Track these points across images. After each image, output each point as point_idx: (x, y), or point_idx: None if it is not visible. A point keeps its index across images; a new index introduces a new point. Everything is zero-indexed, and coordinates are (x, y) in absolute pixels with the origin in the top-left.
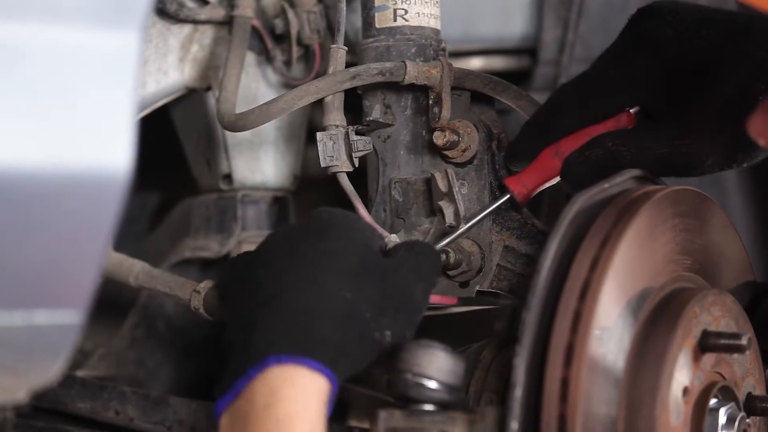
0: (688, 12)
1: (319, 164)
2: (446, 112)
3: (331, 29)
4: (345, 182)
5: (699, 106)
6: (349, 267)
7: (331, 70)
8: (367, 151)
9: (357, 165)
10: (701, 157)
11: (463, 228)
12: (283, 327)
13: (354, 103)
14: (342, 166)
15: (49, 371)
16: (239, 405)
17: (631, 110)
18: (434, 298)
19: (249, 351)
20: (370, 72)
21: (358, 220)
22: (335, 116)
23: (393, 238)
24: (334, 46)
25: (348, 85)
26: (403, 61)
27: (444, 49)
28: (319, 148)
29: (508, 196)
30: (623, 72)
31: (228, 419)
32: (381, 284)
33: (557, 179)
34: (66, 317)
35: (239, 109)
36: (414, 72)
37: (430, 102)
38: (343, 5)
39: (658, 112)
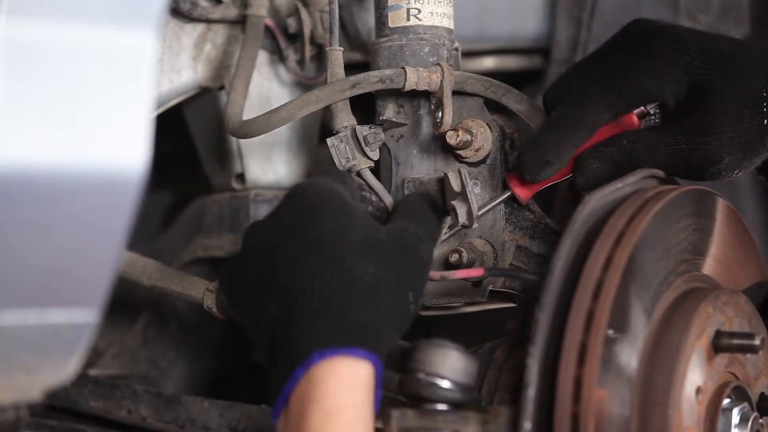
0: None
1: (332, 163)
2: (448, 117)
3: (343, 28)
4: (369, 177)
5: (719, 104)
6: (361, 240)
7: (328, 72)
8: (379, 142)
9: (377, 157)
10: (719, 156)
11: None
12: (319, 321)
13: (367, 102)
14: (360, 163)
15: (63, 370)
16: (291, 407)
17: (642, 108)
18: (461, 273)
19: (292, 352)
20: (370, 80)
21: (340, 187)
22: (342, 118)
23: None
24: (329, 48)
25: (348, 94)
26: (402, 68)
27: (457, 49)
28: (332, 153)
29: (508, 193)
30: (648, 63)
31: (283, 422)
32: (393, 251)
33: (561, 179)
34: (80, 316)
35: (251, 108)
36: (414, 78)
37: (432, 107)
38: (336, 6)
39: (677, 109)
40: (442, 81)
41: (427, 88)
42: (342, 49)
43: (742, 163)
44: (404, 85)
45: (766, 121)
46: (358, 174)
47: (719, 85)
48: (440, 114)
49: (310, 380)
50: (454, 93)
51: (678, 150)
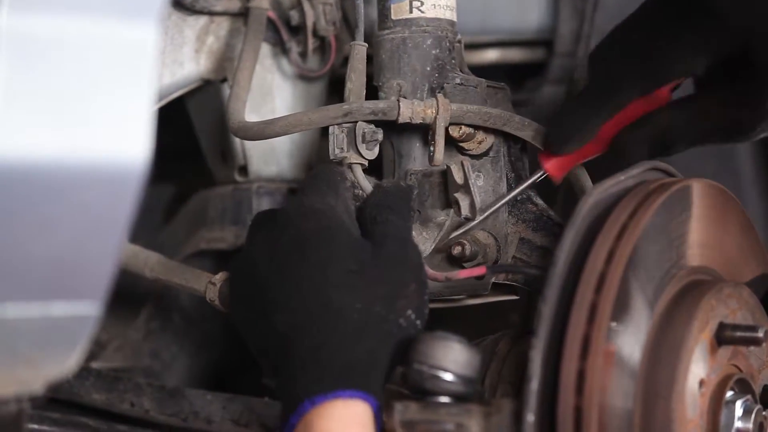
0: None
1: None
2: (439, 156)
3: (346, 21)
4: (359, 174)
5: (757, 71)
6: (347, 272)
7: (349, 67)
8: (376, 142)
9: (374, 157)
10: (755, 123)
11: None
12: (308, 367)
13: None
14: (351, 157)
15: (65, 363)
16: None
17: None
18: (465, 272)
19: (286, 399)
20: (362, 111)
21: (330, 208)
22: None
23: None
24: (353, 42)
25: (339, 121)
26: (397, 100)
27: (460, 41)
28: (330, 140)
29: (543, 173)
30: (682, 39)
31: None
32: (379, 269)
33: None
34: (83, 308)
35: (253, 101)
36: (408, 112)
37: (429, 138)
38: (361, 1)
39: (710, 78)
40: (436, 117)
41: (421, 121)
42: (366, 44)
43: None
44: (397, 118)
45: None
46: (349, 168)
47: (758, 50)
48: (432, 149)
49: (306, 425)
50: (458, 85)
51: (714, 122)
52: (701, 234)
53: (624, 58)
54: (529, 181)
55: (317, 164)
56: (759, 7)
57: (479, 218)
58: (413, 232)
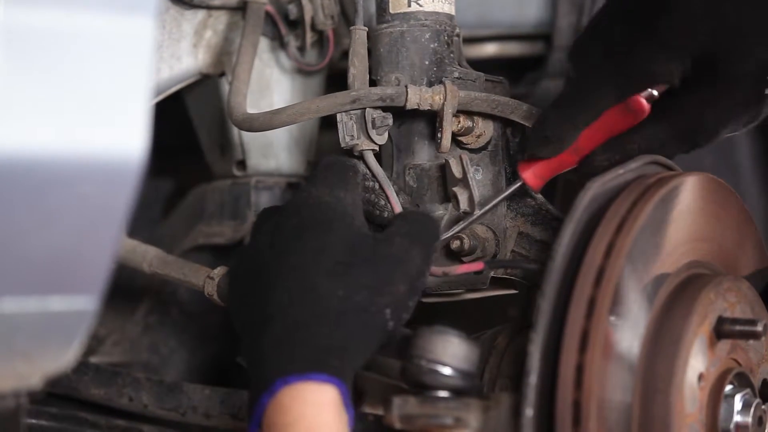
0: None
1: (334, 150)
2: (446, 142)
3: (344, 14)
4: (371, 161)
5: (722, 77)
6: (337, 261)
7: (351, 51)
8: (386, 127)
9: (384, 142)
10: (717, 130)
11: (477, 214)
12: (282, 348)
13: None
14: (363, 144)
15: (63, 357)
16: (264, 429)
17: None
18: (462, 267)
19: (258, 377)
20: (370, 97)
21: (337, 200)
22: None
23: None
24: (353, 27)
25: (348, 108)
26: (405, 86)
27: (458, 35)
28: (339, 128)
29: (519, 183)
30: (659, 50)
31: None
32: (372, 264)
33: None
34: (80, 303)
35: (251, 95)
36: (415, 98)
37: (437, 125)
38: None
39: (682, 84)
40: (444, 103)
41: (429, 108)
42: (366, 28)
43: (736, 130)
44: (405, 104)
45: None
46: (361, 155)
47: (724, 58)
48: (440, 135)
49: (277, 406)
50: (456, 79)
51: (681, 131)
52: (700, 228)
53: (601, 61)
54: (506, 193)
55: (324, 156)
56: (724, 12)
57: (476, 214)
58: None
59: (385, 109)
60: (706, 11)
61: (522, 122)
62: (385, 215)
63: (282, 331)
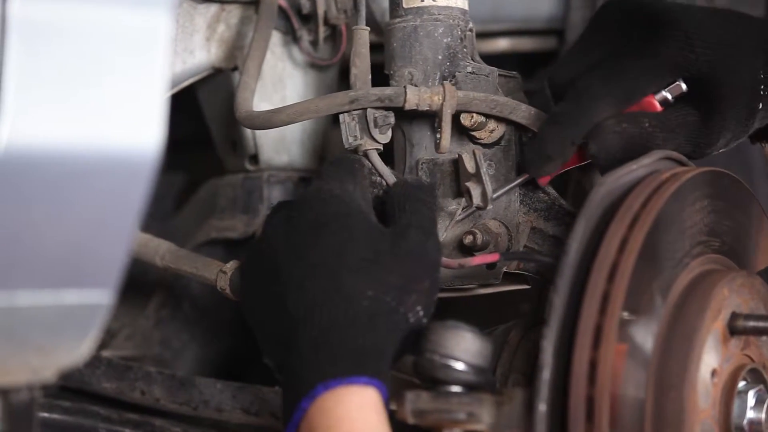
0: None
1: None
2: (446, 143)
3: (358, 9)
4: (375, 160)
5: (721, 89)
6: (361, 259)
7: (353, 52)
8: (388, 126)
9: (388, 140)
10: (716, 139)
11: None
12: (320, 350)
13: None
14: (366, 144)
15: (77, 351)
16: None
17: (664, 94)
18: (478, 259)
19: (296, 382)
20: (368, 97)
21: (348, 194)
22: None
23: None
24: (355, 27)
25: (346, 108)
26: (404, 87)
27: (471, 30)
28: (342, 129)
29: (527, 175)
30: (654, 68)
31: None
32: (396, 261)
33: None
34: (95, 297)
35: (264, 89)
36: (414, 99)
37: (436, 126)
38: None
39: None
40: (443, 104)
41: (428, 108)
42: (368, 28)
43: (730, 143)
44: (404, 105)
45: (761, 104)
46: (365, 154)
47: (721, 72)
48: (439, 136)
49: (319, 410)
50: (469, 74)
51: (689, 136)
52: (713, 223)
53: (597, 80)
54: (513, 184)
55: (330, 154)
56: (720, 35)
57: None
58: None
59: (389, 109)
60: (701, 28)
61: (521, 122)
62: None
63: (318, 334)
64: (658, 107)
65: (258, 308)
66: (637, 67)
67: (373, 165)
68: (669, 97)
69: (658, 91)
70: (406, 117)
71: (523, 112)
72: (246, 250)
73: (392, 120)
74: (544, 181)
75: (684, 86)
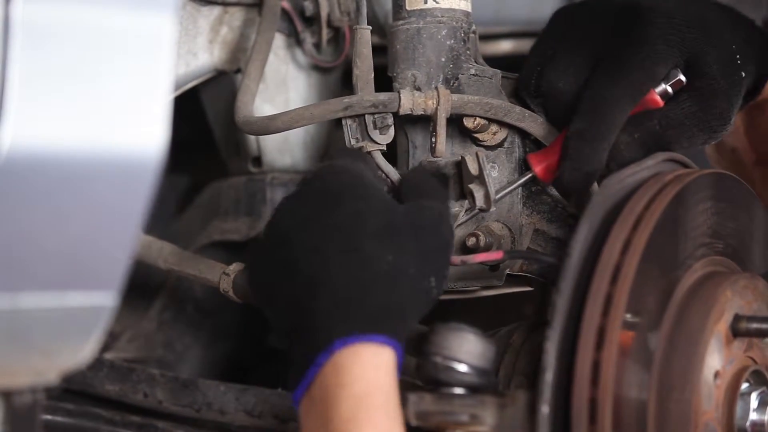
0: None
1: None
2: (441, 147)
3: (359, 9)
4: (380, 160)
5: (712, 69)
6: (380, 226)
7: (354, 52)
8: (387, 127)
9: (389, 140)
10: (731, 112)
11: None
12: (340, 308)
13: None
14: (367, 146)
15: (80, 353)
16: (314, 391)
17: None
18: (481, 256)
19: (313, 339)
20: (363, 104)
21: (361, 169)
22: None
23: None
24: (356, 26)
25: (340, 114)
26: (398, 92)
27: (475, 32)
28: (344, 132)
29: (530, 174)
30: (653, 52)
31: (306, 406)
32: (414, 231)
33: None
34: (98, 299)
35: (267, 91)
36: (408, 104)
37: (430, 130)
38: None
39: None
40: (437, 108)
41: (422, 113)
42: (369, 27)
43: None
44: (398, 110)
45: (743, 73)
46: (369, 155)
47: (709, 47)
48: (434, 140)
49: (335, 366)
50: (472, 76)
51: (698, 121)
52: (717, 225)
53: (606, 82)
54: (516, 185)
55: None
56: (694, 12)
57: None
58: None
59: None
60: (676, 13)
61: (516, 125)
62: None
63: (338, 292)
64: (660, 102)
65: (267, 281)
66: (636, 57)
67: (378, 165)
68: (669, 90)
69: (659, 84)
70: (409, 119)
71: (516, 115)
72: (250, 245)
73: (390, 121)
74: (546, 179)
75: (683, 78)
